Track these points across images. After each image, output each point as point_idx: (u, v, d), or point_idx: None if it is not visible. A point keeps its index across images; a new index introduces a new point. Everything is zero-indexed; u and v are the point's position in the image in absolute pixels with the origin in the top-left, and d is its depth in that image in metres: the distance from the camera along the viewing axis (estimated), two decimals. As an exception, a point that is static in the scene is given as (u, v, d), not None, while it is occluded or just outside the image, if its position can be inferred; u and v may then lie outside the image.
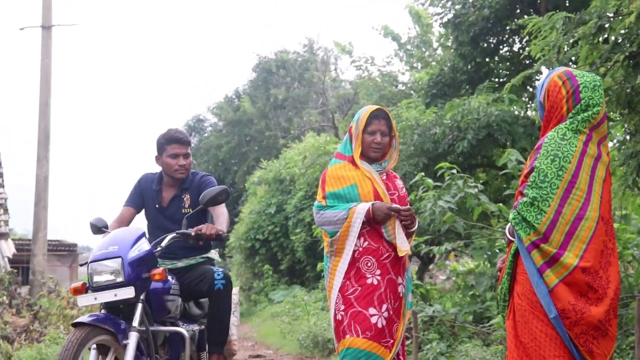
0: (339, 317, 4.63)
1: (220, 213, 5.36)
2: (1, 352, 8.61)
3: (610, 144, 8.23)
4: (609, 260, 3.71)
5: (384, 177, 4.81)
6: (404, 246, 4.65)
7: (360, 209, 4.59)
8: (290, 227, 20.20)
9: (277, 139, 31.94)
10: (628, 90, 6.53)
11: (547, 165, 3.64)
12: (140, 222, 5.84)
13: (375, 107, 4.87)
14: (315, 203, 4.81)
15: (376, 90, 20.41)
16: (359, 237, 4.63)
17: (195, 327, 5.39)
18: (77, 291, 4.73)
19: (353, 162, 4.79)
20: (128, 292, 4.61)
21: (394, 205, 4.64)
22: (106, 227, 5.33)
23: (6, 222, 19.66)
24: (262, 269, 21.80)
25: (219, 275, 5.37)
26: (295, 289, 19.28)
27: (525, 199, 3.66)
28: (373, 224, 4.64)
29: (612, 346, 3.70)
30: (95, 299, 4.64)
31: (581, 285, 3.60)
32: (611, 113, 6.95)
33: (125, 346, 4.45)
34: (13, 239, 20.20)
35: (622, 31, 6.42)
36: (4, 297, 14.01)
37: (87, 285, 4.68)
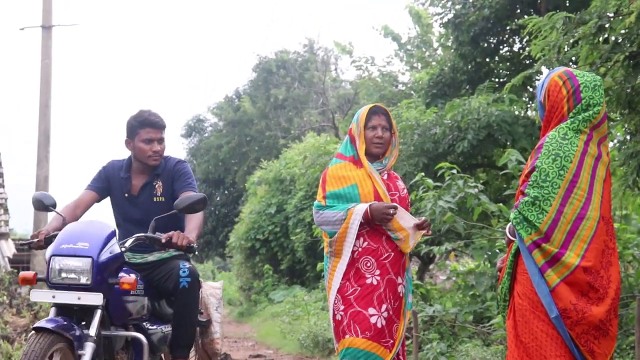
0: (338, 317, 4.64)
1: (195, 217, 4.94)
2: (1, 352, 8.61)
3: (611, 144, 8.23)
4: (610, 260, 3.71)
5: (385, 177, 4.82)
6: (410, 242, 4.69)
7: (358, 210, 4.60)
8: (291, 227, 20.20)
9: (278, 139, 31.94)
10: (628, 90, 6.53)
11: (548, 164, 3.64)
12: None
13: (374, 104, 4.91)
14: (315, 203, 4.83)
15: (376, 90, 20.40)
16: (358, 238, 4.64)
17: (167, 328, 4.97)
18: (27, 281, 4.24)
19: (354, 162, 4.80)
20: (95, 299, 4.15)
21: (393, 204, 4.65)
22: (54, 205, 4.83)
23: (6, 222, 19.66)
24: (263, 268, 21.80)
25: (184, 272, 4.87)
26: (296, 289, 19.27)
27: (526, 198, 3.66)
28: (373, 224, 4.65)
29: (612, 346, 3.71)
30: (54, 297, 4.15)
31: (582, 285, 3.61)
32: (611, 113, 6.95)
33: (80, 357, 4.00)
34: (13, 239, 20.20)
35: (622, 31, 6.42)
36: (4, 297, 14.01)
37: (44, 278, 4.23)
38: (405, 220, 4.68)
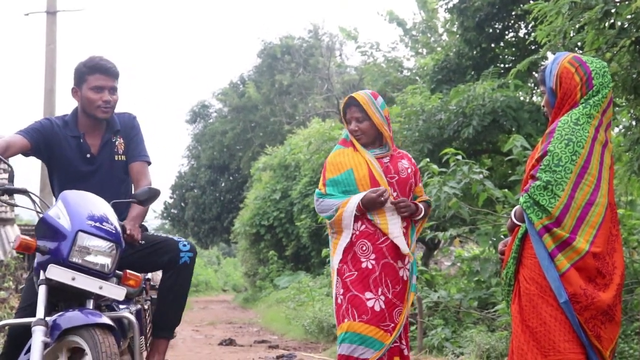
0: (339, 301, 4.72)
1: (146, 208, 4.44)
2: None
3: (616, 130, 8.21)
4: (614, 247, 3.72)
5: (386, 160, 4.81)
6: (402, 245, 4.66)
7: (351, 205, 4.63)
8: (295, 213, 20.22)
9: (282, 124, 31.93)
10: (634, 76, 6.50)
11: (561, 149, 3.64)
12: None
13: (349, 96, 4.93)
14: (316, 190, 4.90)
15: (381, 76, 20.40)
16: (357, 220, 4.69)
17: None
18: (25, 248, 3.76)
19: (354, 147, 4.83)
20: (118, 293, 3.80)
21: (381, 188, 4.63)
22: None
23: (12, 208, 19.69)
24: (267, 254, 21.84)
25: (185, 246, 4.47)
26: (301, 275, 19.32)
27: (538, 182, 3.65)
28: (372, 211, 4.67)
29: (617, 331, 3.72)
30: (74, 279, 3.70)
31: (591, 270, 3.62)
32: (617, 99, 6.92)
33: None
34: (19, 225, 20.25)
35: (629, 16, 6.38)
36: (10, 283, 14.06)
37: (47, 250, 3.77)
38: (394, 225, 4.68)
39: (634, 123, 7.36)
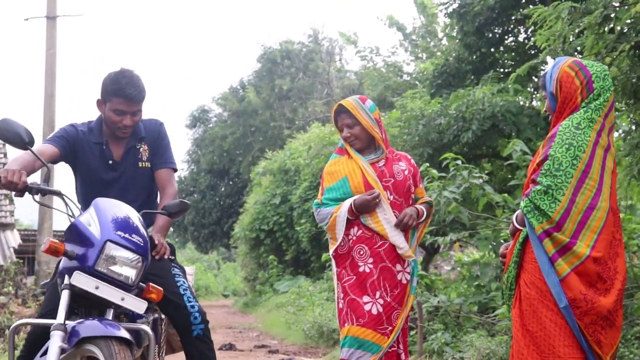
0: (340, 305, 4.75)
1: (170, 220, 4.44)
2: (7, 342, 8.64)
3: (616, 134, 8.22)
4: (617, 251, 3.72)
5: (381, 164, 4.81)
6: (399, 243, 4.67)
7: (343, 208, 4.67)
8: (295, 218, 20.22)
9: (282, 129, 31.96)
10: (634, 80, 6.51)
11: (562, 153, 3.64)
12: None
13: (337, 104, 4.96)
14: (314, 202, 4.93)
15: (381, 80, 20.42)
16: (353, 226, 4.72)
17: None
18: (54, 252, 3.72)
19: (348, 154, 4.85)
20: (139, 306, 3.75)
21: (373, 191, 4.65)
22: (32, 143, 4.02)
23: (12, 213, 19.71)
24: (267, 259, 21.84)
25: (196, 318, 4.37)
26: (300, 280, 19.32)
27: (538, 187, 3.65)
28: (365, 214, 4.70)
29: (618, 336, 3.71)
30: (97, 288, 3.67)
31: (592, 275, 3.61)
32: (617, 103, 6.93)
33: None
34: (19, 230, 20.27)
35: (628, 21, 6.39)
36: (10, 288, 14.07)
37: (74, 255, 3.75)
38: (389, 225, 4.69)
39: (633, 127, 7.37)
